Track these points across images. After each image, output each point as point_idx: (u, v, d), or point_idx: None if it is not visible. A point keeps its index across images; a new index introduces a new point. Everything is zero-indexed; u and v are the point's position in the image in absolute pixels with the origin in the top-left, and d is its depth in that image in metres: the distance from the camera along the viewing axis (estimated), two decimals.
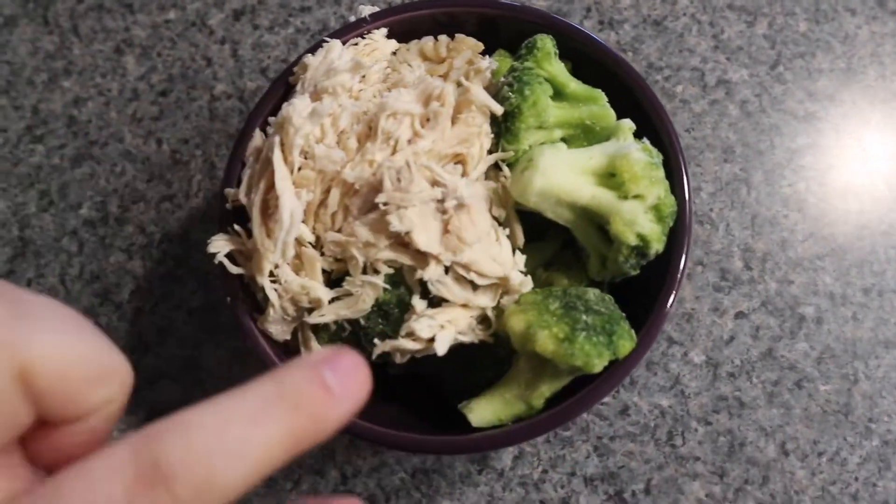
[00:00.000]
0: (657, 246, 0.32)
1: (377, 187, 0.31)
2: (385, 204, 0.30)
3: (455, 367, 0.34)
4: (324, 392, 0.17)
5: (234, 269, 0.32)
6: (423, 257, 0.31)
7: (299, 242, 0.32)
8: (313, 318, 0.32)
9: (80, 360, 0.18)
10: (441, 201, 0.30)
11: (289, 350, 0.35)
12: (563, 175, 0.31)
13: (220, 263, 0.32)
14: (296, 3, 0.50)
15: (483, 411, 0.32)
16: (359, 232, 0.31)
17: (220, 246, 0.32)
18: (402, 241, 0.31)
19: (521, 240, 0.34)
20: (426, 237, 0.30)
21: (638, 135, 0.34)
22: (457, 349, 0.32)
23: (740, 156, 0.45)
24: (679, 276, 0.33)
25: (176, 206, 0.46)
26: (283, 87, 0.37)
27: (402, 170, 0.30)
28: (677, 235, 0.33)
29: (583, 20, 0.48)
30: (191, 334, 0.44)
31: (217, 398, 0.16)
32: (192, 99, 0.49)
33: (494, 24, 0.37)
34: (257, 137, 0.34)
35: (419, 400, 0.36)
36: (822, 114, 0.46)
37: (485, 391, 0.33)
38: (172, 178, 0.47)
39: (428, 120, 0.32)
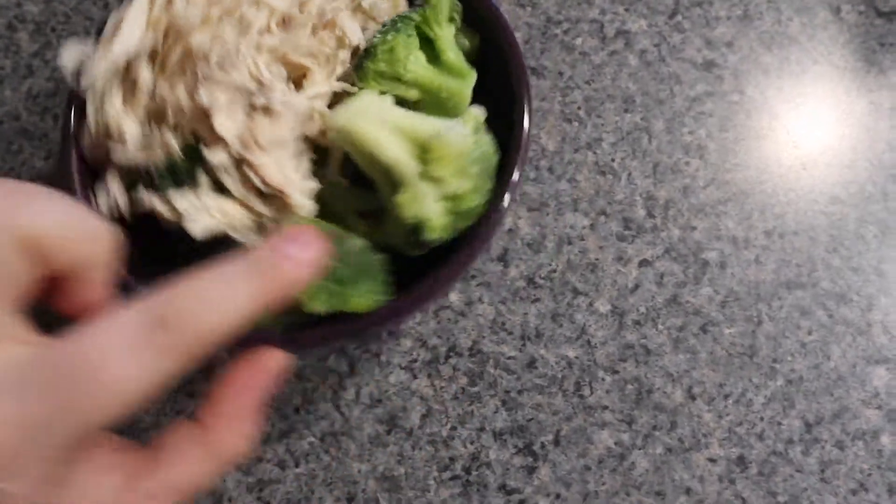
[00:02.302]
0: (438, 235, 0.31)
1: (206, 57, 0.31)
2: (204, 77, 0.31)
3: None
4: (283, 259, 0.22)
5: (80, 82, 0.33)
6: (217, 139, 0.31)
7: (133, 80, 0.33)
8: (115, 151, 0.33)
9: (70, 223, 0.23)
10: (252, 96, 0.31)
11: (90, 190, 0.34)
12: (370, 125, 0.30)
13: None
14: None
15: None
16: (179, 93, 0.31)
17: (70, 55, 0.33)
18: (205, 117, 0.31)
19: (333, 172, 0.34)
20: (225, 122, 0.31)
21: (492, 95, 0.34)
22: (235, 245, 0.33)
23: (640, 105, 0.45)
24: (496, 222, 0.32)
25: None
26: None
27: (232, 52, 0.31)
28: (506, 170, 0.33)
29: None
30: None
31: (200, 272, 0.21)
32: None
33: None
34: None
35: None
36: (721, 61, 0.46)
37: None
38: None
39: (285, 22, 0.32)
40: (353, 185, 0.34)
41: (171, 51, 0.33)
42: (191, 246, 0.31)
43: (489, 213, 0.32)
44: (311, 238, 0.24)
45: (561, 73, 0.46)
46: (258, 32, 0.32)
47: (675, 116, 0.45)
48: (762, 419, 0.41)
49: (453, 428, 0.41)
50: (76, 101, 0.34)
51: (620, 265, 0.43)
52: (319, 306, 0.29)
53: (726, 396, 0.41)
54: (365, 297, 0.30)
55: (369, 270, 0.31)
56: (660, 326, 0.42)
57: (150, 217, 0.32)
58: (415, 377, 0.41)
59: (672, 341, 0.42)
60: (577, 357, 0.42)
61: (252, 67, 0.31)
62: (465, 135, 0.31)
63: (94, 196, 0.34)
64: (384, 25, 0.33)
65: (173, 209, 0.31)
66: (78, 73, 0.33)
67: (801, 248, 0.43)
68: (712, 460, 0.40)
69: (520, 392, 0.41)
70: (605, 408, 0.41)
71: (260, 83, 0.31)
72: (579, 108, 0.45)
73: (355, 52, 0.34)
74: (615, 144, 0.45)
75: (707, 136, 0.45)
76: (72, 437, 0.20)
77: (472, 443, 0.40)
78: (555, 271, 0.43)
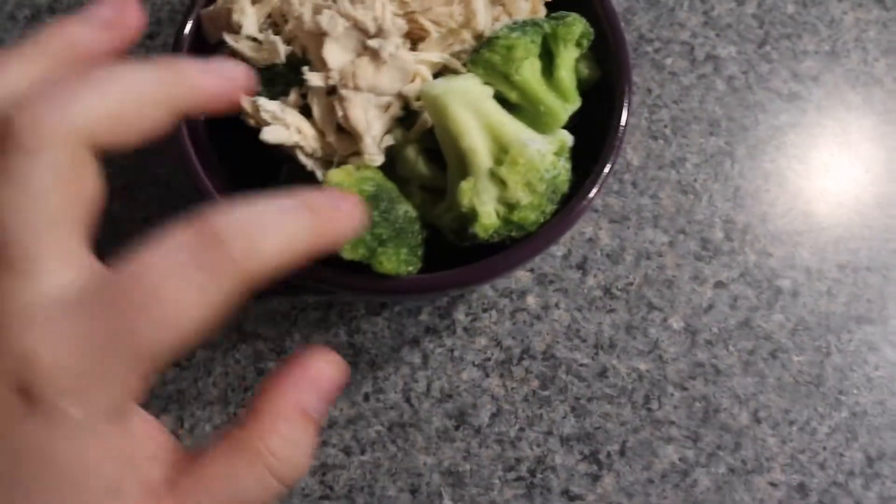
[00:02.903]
0: (480, 231, 0.31)
1: None
2: (333, 2, 0.32)
3: (285, 183, 0.36)
4: (334, 207, 0.22)
5: None
6: (321, 63, 0.32)
7: None
8: (228, 37, 0.34)
9: (129, 110, 0.21)
10: (367, 36, 0.32)
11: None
12: (462, 106, 0.31)
13: None
14: None
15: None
16: (305, 8, 0.33)
17: None
18: (319, 39, 0.32)
19: (412, 137, 0.34)
20: (334, 51, 0.32)
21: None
22: (300, 170, 0.34)
23: (725, 130, 0.46)
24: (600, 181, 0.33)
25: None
26: None
27: None
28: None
29: None
30: None
31: (255, 199, 0.21)
32: None
33: None
34: None
35: None
36: (806, 94, 0.47)
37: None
38: None
39: None
40: (425, 156, 0.35)
41: None
42: (252, 143, 0.33)
43: (550, 227, 0.33)
44: (359, 202, 0.24)
45: (650, 91, 0.46)
46: None
47: (759, 144, 0.46)
48: (825, 448, 0.41)
49: (521, 429, 0.41)
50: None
51: (696, 284, 0.43)
52: (349, 254, 0.30)
53: (791, 423, 0.42)
54: (393, 260, 0.31)
55: (408, 238, 0.32)
56: (731, 348, 0.43)
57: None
58: (487, 376, 0.42)
59: (742, 363, 0.42)
60: (647, 370, 0.42)
61: (378, 10, 0.32)
62: (545, 153, 0.32)
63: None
64: (515, 23, 0.33)
65: (256, 109, 0.32)
66: None
67: (873, 285, 0.44)
68: (773, 485, 0.41)
69: (589, 400, 0.41)
70: (672, 423, 0.41)
71: (380, 28, 0.32)
72: (666, 126, 0.46)
73: (478, 36, 0.34)
74: (698, 165, 0.45)
75: (788, 167, 0.46)
76: (134, 364, 0.19)
77: (538, 445, 0.41)
78: (631, 284, 0.43)
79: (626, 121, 0.34)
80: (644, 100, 0.46)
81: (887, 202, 0.45)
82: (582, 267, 0.43)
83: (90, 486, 0.20)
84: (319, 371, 0.23)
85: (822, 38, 0.48)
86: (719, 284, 0.44)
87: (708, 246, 0.44)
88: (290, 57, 0.33)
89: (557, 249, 0.43)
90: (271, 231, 0.20)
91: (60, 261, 0.20)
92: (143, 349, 0.19)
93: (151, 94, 0.22)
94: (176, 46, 0.36)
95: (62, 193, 0.20)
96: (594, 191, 0.33)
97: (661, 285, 0.43)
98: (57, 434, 0.19)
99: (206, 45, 0.36)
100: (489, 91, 0.32)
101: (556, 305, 0.43)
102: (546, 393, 0.41)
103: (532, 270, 0.43)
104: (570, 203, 0.33)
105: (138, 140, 0.22)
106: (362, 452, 0.40)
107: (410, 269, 0.32)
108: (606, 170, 0.33)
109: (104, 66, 0.22)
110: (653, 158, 0.45)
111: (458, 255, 0.33)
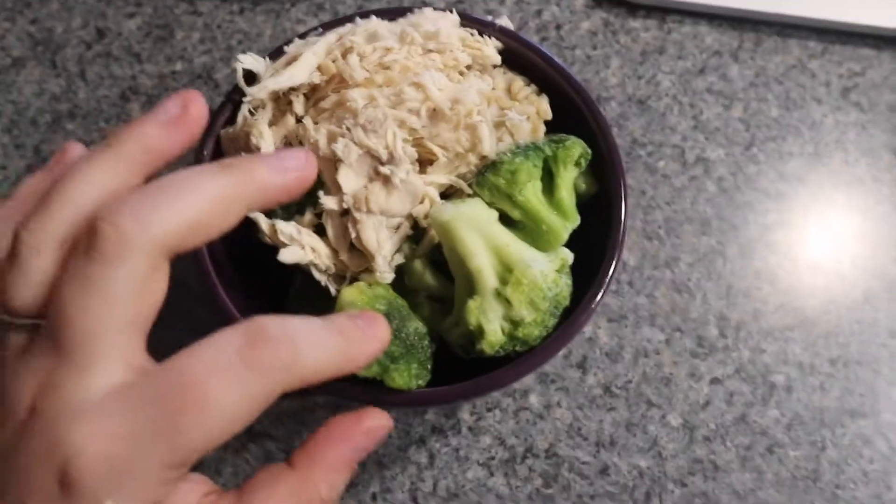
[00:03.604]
0: (487, 348, 0.33)
1: (356, 114, 0.34)
2: (347, 130, 0.34)
3: (302, 294, 0.38)
4: (359, 331, 0.25)
5: (246, 89, 0.36)
6: (336, 187, 0.34)
7: (285, 107, 0.36)
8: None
9: (206, 219, 0.24)
10: (379, 163, 0.34)
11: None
12: (471, 231, 0.33)
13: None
14: None
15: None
16: (320, 135, 0.34)
17: (247, 60, 0.37)
18: (333, 164, 0.34)
19: (420, 253, 0.36)
20: (348, 176, 0.34)
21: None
22: (313, 283, 0.35)
23: (717, 229, 0.48)
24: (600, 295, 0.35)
25: None
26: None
27: (380, 119, 0.34)
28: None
29: None
30: None
31: (291, 318, 0.23)
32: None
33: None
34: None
35: None
36: (792, 193, 0.49)
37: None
38: None
39: (434, 112, 0.35)
40: (432, 267, 0.36)
41: (327, 94, 0.36)
42: (266, 257, 0.35)
43: (551, 341, 0.34)
44: (375, 318, 0.27)
45: (643, 192, 0.49)
46: (408, 111, 0.35)
47: (749, 242, 0.48)
48: None
49: None
50: (233, 98, 0.38)
51: (693, 381, 0.45)
52: (363, 371, 0.31)
53: None
54: (405, 376, 0.32)
55: (418, 354, 0.33)
56: (728, 444, 0.44)
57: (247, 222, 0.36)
58: (492, 475, 0.43)
59: (739, 459, 0.43)
60: (648, 467, 0.43)
61: (390, 139, 0.34)
62: (547, 273, 0.33)
63: None
64: (518, 147, 0.36)
65: (274, 231, 0.35)
66: (244, 78, 0.37)
67: (864, 379, 0.45)
68: None
69: (592, 497, 0.42)
70: None
71: (391, 156, 0.34)
72: (660, 227, 0.48)
73: (482, 158, 0.36)
74: (692, 265, 0.47)
75: (777, 264, 0.48)
76: (175, 458, 0.21)
77: None
78: (630, 382, 0.45)
79: (622, 248, 0.36)
80: (638, 201, 0.48)
81: (874, 297, 0.47)
82: (582, 366, 0.45)
83: None
84: (370, 427, 0.27)
85: (806, 140, 0.51)
86: (715, 381, 0.45)
87: (703, 343, 0.46)
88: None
89: None
90: (313, 345, 0.23)
91: (119, 361, 0.22)
92: (185, 445, 0.21)
93: (226, 201, 0.24)
94: (197, 163, 0.38)
95: (136, 301, 0.22)
96: (592, 307, 0.34)
97: (659, 383, 0.45)
98: None
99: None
100: (494, 215, 0.34)
101: (558, 404, 0.44)
102: (550, 491, 0.42)
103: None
104: (570, 317, 0.35)
105: (209, 240, 0.24)
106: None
107: (420, 382, 0.33)
108: (600, 295, 0.35)
109: (181, 172, 0.24)
110: (648, 258, 0.47)
111: (464, 363, 0.35)
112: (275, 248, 0.35)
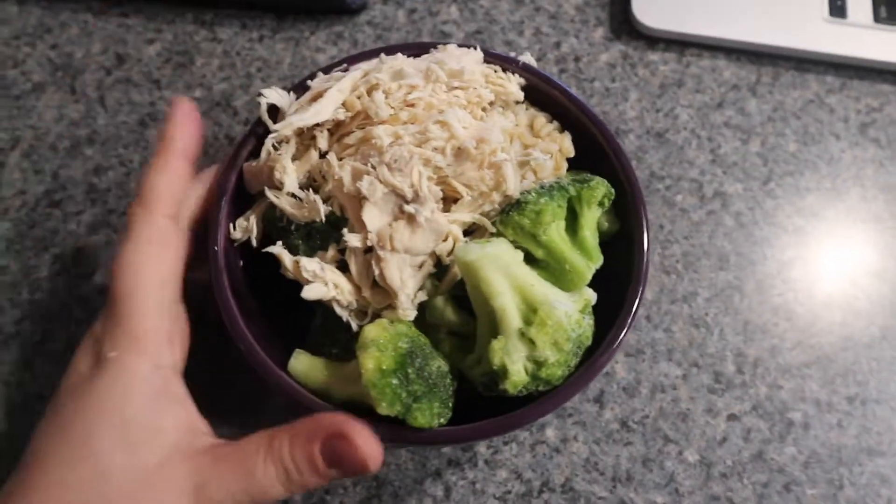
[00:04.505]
0: (510, 388, 0.33)
1: (381, 151, 0.34)
2: (372, 168, 0.34)
3: (323, 329, 0.38)
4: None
5: (271, 124, 0.37)
6: (361, 224, 0.34)
7: (309, 142, 0.37)
8: (270, 193, 0.36)
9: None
10: (404, 201, 0.34)
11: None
12: (496, 271, 0.33)
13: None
14: None
15: (302, 364, 0.35)
16: (344, 172, 0.35)
17: (271, 95, 0.38)
18: (358, 202, 0.34)
19: (442, 290, 0.36)
20: (373, 214, 0.34)
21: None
22: (334, 317, 0.36)
23: (734, 265, 0.48)
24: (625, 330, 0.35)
25: None
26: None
27: (405, 157, 0.34)
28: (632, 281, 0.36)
29: None
30: None
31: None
32: None
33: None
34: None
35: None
36: (809, 229, 0.49)
37: (320, 358, 0.36)
38: None
39: (459, 150, 0.35)
40: (453, 303, 0.36)
41: (352, 130, 0.36)
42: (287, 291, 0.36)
43: (573, 380, 0.34)
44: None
45: (662, 227, 0.49)
46: (433, 149, 0.35)
47: (766, 278, 0.48)
48: None
49: None
50: (256, 132, 0.38)
51: (710, 417, 0.45)
52: (387, 410, 0.32)
53: None
54: (427, 415, 0.32)
55: (440, 393, 0.33)
56: (745, 481, 0.44)
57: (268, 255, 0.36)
58: None
59: (756, 497, 0.43)
60: (664, 503, 0.43)
61: (415, 178, 0.34)
62: (571, 314, 0.34)
63: (232, 213, 0.38)
64: (542, 186, 0.36)
65: (298, 267, 0.35)
66: (267, 112, 0.38)
67: (883, 417, 0.45)
68: None
69: None
70: None
71: (416, 194, 0.34)
72: (677, 261, 0.48)
73: (506, 197, 0.36)
74: (709, 300, 0.47)
75: (795, 300, 0.47)
76: None
77: None
78: (647, 417, 0.44)
79: (644, 287, 0.36)
80: (657, 235, 0.48)
81: (892, 334, 0.47)
82: (599, 400, 0.45)
83: None
84: (362, 450, 0.31)
85: (823, 175, 0.51)
86: (732, 417, 0.45)
87: (720, 379, 0.46)
88: (329, 215, 0.36)
89: None
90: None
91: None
92: None
93: None
94: (219, 194, 0.38)
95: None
96: (614, 347, 0.34)
97: (676, 418, 0.45)
98: None
99: (246, 194, 0.39)
100: (520, 255, 0.34)
101: (575, 438, 0.44)
102: None
103: None
104: (592, 356, 0.35)
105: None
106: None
107: (442, 420, 0.33)
108: (623, 335, 0.35)
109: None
110: (665, 293, 0.47)
111: (484, 399, 0.35)
112: (296, 283, 0.35)
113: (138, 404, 0.31)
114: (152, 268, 0.33)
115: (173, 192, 0.35)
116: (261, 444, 0.31)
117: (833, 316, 0.47)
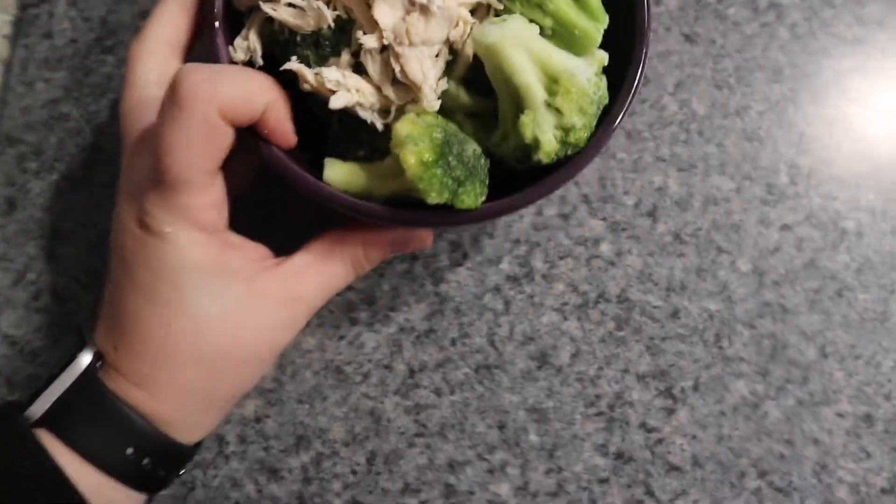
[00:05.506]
0: (544, 157, 0.34)
1: None
2: None
3: (343, 134, 0.38)
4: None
5: None
6: (372, 24, 0.34)
7: None
8: (266, 6, 0.35)
9: (248, 87, 0.33)
10: None
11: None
12: (516, 49, 0.33)
13: None
14: None
15: (337, 172, 0.36)
16: None
17: None
18: (366, 2, 0.34)
19: (455, 75, 0.36)
20: (383, 12, 0.34)
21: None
22: (353, 120, 0.36)
23: (789, 77, 0.47)
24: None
25: None
26: None
27: None
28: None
29: None
30: None
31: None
32: None
33: None
34: None
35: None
36: (869, 38, 0.48)
37: (352, 163, 0.37)
38: None
39: None
40: (465, 86, 0.37)
41: None
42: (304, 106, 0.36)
43: (596, 139, 0.35)
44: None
45: (713, 41, 0.48)
46: None
47: (822, 89, 0.47)
48: (890, 381, 0.43)
49: (600, 368, 0.44)
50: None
51: (762, 227, 0.45)
52: (436, 199, 0.33)
53: (857, 357, 0.44)
54: (472, 196, 0.34)
55: (479, 173, 0.34)
56: (797, 288, 0.45)
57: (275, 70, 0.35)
58: (565, 319, 0.44)
59: (808, 302, 0.44)
60: (717, 310, 0.44)
61: None
62: (589, 77, 0.34)
63: (227, 35, 0.36)
64: None
65: (320, 80, 0.34)
66: None
67: None
68: (840, 415, 0.43)
69: (663, 339, 0.44)
70: (742, 359, 0.44)
71: None
72: (730, 75, 0.47)
73: None
74: (762, 113, 0.47)
75: (851, 111, 0.47)
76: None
77: (616, 383, 0.43)
78: (700, 229, 0.45)
79: (648, 35, 0.36)
80: (708, 50, 0.48)
81: None
82: (652, 214, 0.45)
83: None
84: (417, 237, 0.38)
85: None
86: (785, 227, 0.45)
87: (773, 191, 0.46)
88: (335, 20, 0.35)
89: (628, 198, 0.46)
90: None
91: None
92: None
93: (260, 94, 0.33)
94: (211, 17, 0.36)
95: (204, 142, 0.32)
96: (629, 99, 0.35)
97: (729, 229, 0.45)
98: None
99: (236, 12, 0.37)
100: (535, 29, 0.34)
101: (629, 251, 0.45)
102: (622, 334, 0.44)
103: (605, 219, 0.45)
104: (609, 114, 0.35)
105: (249, 119, 0.33)
106: (452, 393, 0.44)
107: (483, 198, 0.35)
108: (635, 86, 0.35)
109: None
110: (717, 107, 0.47)
111: (505, 176, 0.36)
112: (302, 100, 0.35)
113: (210, 261, 0.33)
114: (199, 148, 0.33)
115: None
116: (332, 254, 0.36)
117: (890, 125, 0.47)
